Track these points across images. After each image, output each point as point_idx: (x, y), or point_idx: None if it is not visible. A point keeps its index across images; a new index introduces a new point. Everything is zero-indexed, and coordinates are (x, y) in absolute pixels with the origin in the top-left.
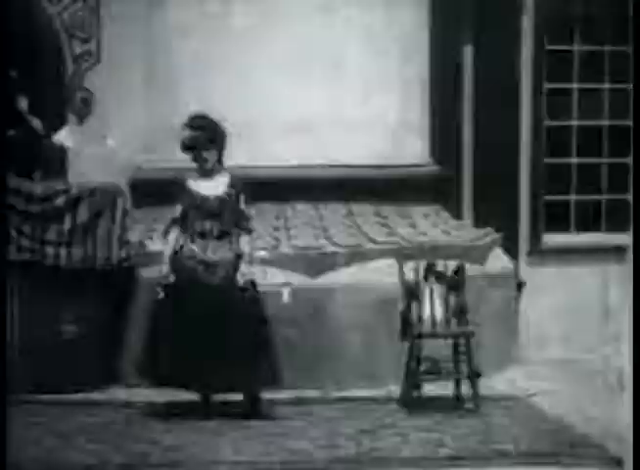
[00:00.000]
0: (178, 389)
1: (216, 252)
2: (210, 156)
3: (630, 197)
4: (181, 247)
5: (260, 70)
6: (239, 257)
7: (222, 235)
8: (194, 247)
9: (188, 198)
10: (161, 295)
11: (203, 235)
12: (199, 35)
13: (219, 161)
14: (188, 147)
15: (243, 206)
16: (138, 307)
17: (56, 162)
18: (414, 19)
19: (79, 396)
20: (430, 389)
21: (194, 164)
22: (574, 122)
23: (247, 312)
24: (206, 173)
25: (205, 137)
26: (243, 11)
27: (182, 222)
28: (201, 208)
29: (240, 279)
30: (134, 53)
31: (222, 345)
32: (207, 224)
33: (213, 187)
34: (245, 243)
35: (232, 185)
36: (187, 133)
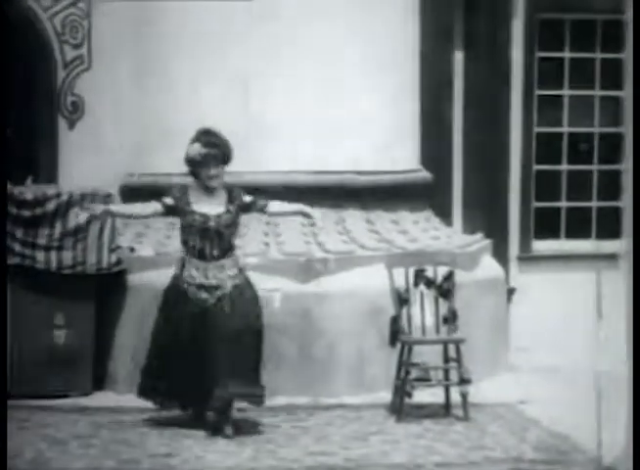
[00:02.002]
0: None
1: (217, 274)
2: (218, 174)
3: (621, 203)
4: (181, 269)
5: (252, 76)
6: (241, 271)
7: (223, 254)
8: (193, 271)
9: (186, 213)
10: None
11: (202, 256)
12: (190, 41)
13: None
14: (196, 162)
15: (247, 198)
16: (128, 312)
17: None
18: (404, 24)
19: (69, 401)
20: (420, 395)
21: (191, 179)
22: (565, 129)
23: (247, 328)
24: (209, 191)
25: (217, 155)
26: (237, 17)
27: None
28: (200, 227)
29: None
30: (125, 58)
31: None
32: (207, 245)
33: (215, 205)
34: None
35: (230, 200)
36: (197, 148)
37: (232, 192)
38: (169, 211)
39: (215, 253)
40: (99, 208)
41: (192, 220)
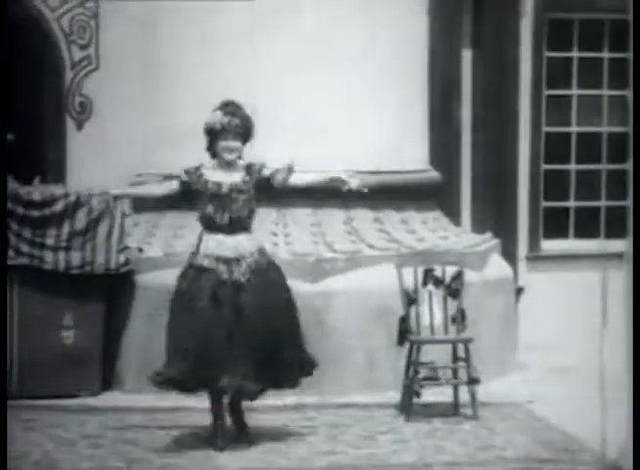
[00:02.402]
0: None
1: (236, 247)
2: (236, 147)
3: (629, 203)
4: (197, 245)
5: (260, 76)
6: (262, 252)
7: (238, 227)
8: (209, 243)
9: (199, 183)
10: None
11: (216, 226)
12: (197, 40)
13: (240, 157)
14: (215, 132)
15: (267, 171)
16: (136, 313)
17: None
18: (413, 23)
19: (77, 401)
20: (428, 395)
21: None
22: (573, 129)
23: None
24: (224, 166)
25: (238, 126)
26: (239, 16)
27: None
28: (212, 193)
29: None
30: (133, 59)
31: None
32: (219, 212)
33: (230, 177)
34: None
35: (248, 173)
36: (218, 116)
37: (251, 166)
38: (185, 188)
39: (226, 221)
40: (112, 192)
41: (204, 188)
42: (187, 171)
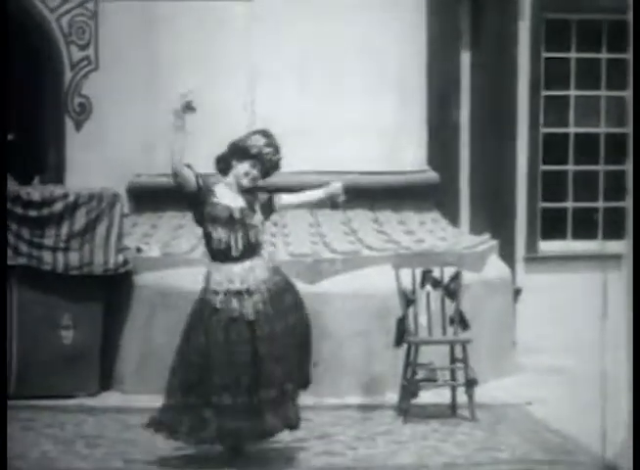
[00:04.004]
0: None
1: (246, 278)
2: (257, 178)
3: (628, 204)
4: (207, 280)
5: (259, 76)
6: (276, 271)
7: (250, 253)
8: (218, 277)
9: (212, 204)
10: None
11: (228, 255)
12: (197, 41)
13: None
14: (247, 153)
15: (264, 195)
16: (135, 313)
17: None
18: (412, 24)
19: (75, 401)
20: (426, 396)
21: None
22: (572, 129)
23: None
24: (232, 187)
25: (272, 160)
26: (242, 16)
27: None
28: (225, 218)
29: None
30: (133, 59)
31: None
32: (232, 239)
33: (234, 199)
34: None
35: (252, 195)
36: (260, 141)
37: (252, 192)
38: (193, 191)
39: (241, 248)
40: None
41: (216, 211)
42: (201, 176)
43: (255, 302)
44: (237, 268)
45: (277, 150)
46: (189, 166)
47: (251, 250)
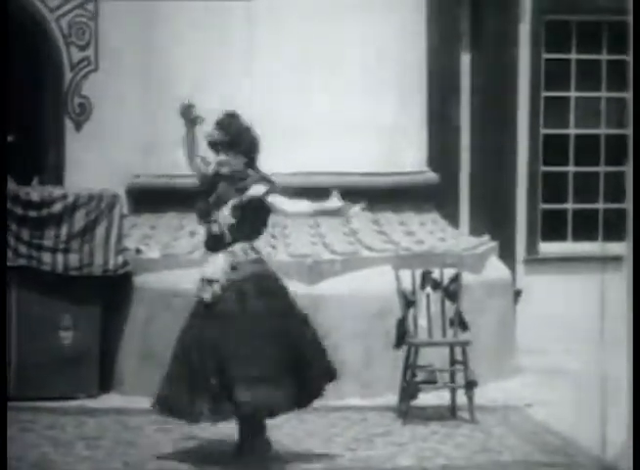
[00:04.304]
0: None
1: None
2: (227, 161)
3: (628, 205)
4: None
5: (258, 76)
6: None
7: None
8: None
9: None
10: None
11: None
12: (196, 41)
13: (251, 167)
14: (210, 145)
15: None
16: (134, 314)
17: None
18: (412, 25)
19: (75, 402)
20: (426, 398)
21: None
22: (572, 131)
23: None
24: (230, 181)
25: (224, 140)
26: (241, 17)
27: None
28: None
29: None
30: (132, 60)
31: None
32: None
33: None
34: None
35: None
36: (209, 130)
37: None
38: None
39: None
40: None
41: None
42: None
43: (219, 289)
44: (221, 258)
45: (232, 129)
46: (202, 159)
47: (218, 242)
